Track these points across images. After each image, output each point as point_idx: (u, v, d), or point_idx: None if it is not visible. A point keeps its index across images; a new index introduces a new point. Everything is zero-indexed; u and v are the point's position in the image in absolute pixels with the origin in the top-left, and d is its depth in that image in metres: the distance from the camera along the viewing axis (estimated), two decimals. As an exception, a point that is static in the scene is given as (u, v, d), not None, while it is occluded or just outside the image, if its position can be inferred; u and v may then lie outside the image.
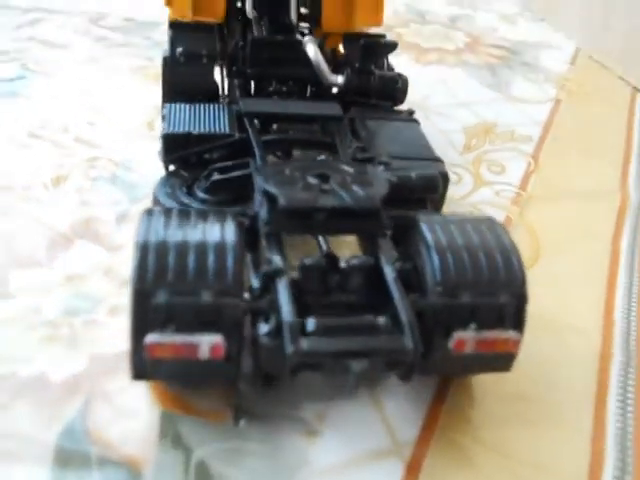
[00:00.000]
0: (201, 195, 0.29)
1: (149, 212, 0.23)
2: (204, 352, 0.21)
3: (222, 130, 0.31)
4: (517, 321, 0.23)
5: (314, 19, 0.41)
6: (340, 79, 0.36)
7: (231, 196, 0.29)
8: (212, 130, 0.31)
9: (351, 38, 0.39)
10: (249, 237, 0.24)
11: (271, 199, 0.24)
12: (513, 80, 0.59)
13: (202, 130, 0.31)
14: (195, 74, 0.37)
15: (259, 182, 0.25)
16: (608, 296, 0.33)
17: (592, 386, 0.28)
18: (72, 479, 0.21)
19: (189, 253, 0.21)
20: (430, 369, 0.23)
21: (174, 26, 0.38)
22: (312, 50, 0.36)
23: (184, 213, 0.23)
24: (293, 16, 0.41)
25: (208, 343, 0.21)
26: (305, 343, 0.20)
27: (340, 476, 0.22)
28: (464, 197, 0.40)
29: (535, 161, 0.45)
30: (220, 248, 0.22)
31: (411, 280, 0.23)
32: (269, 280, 0.22)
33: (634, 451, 0.25)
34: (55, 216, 0.34)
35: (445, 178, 0.31)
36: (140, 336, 0.21)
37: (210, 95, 0.37)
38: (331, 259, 0.24)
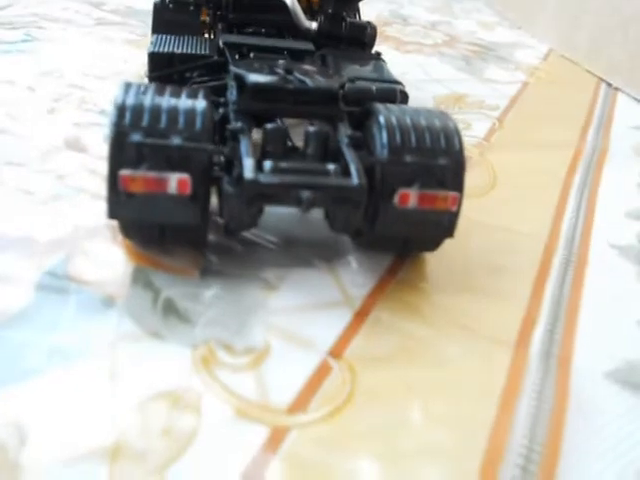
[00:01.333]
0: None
1: (127, 84, 0.26)
2: (172, 187, 0.23)
3: (202, 52, 0.34)
4: (456, 183, 0.26)
5: None
6: (314, 25, 0.40)
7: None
8: (193, 51, 0.34)
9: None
10: (221, 124, 0.27)
11: (241, 82, 0.27)
12: (486, 67, 0.63)
13: (184, 50, 0.34)
14: (182, 18, 0.40)
15: (232, 70, 0.28)
16: (557, 213, 0.36)
17: (534, 270, 0.30)
18: (52, 301, 0.23)
19: (162, 110, 0.24)
20: (377, 228, 0.26)
21: None
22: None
23: (160, 86, 0.26)
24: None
25: (176, 179, 0.23)
26: (262, 176, 0.23)
27: (293, 317, 0.25)
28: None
29: (500, 122, 0.49)
30: (191, 109, 0.25)
31: (362, 147, 0.26)
32: (233, 135, 0.25)
33: (565, 321, 0.27)
34: (49, 134, 0.36)
35: (404, 94, 0.34)
36: (116, 172, 0.23)
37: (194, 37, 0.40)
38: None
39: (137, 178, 0.23)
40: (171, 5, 0.40)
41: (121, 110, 0.24)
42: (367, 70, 0.36)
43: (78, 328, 0.23)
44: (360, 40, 0.41)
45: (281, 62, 0.30)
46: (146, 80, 0.35)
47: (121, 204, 0.24)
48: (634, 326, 0.27)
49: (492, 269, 0.30)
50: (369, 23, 0.41)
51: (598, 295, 0.29)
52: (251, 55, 0.36)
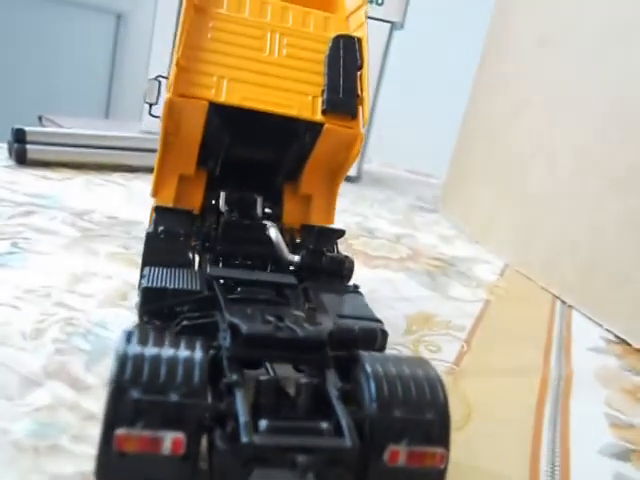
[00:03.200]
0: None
1: (129, 332, 0.27)
2: (166, 447, 0.23)
3: (193, 287, 0.36)
4: (442, 437, 0.26)
5: (276, 217, 0.49)
6: (296, 258, 0.43)
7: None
8: (184, 287, 0.36)
9: (307, 227, 0.47)
10: (212, 367, 0.28)
11: (234, 329, 0.29)
12: (449, 284, 0.67)
13: (176, 286, 0.36)
14: (172, 249, 0.43)
15: (225, 316, 0.30)
16: (533, 453, 0.37)
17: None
18: None
19: (162, 363, 0.25)
20: None
21: (159, 209, 0.45)
22: (274, 233, 0.43)
23: (159, 336, 0.27)
24: (259, 213, 0.49)
25: (171, 439, 0.23)
26: (258, 438, 0.23)
27: None
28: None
29: (468, 344, 0.51)
30: (189, 361, 0.26)
31: (350, 400, 0.27)
32: (228, 389, 0.26)
33: None
34: (30, 361, 0.36)
35: (384, 333, 0.36)
36: (112, 430, 0.23)
37: (185, 267, 0.42)
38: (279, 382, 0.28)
39: (132, 437, 0.23)
40: (162, 235, 0.43)
41: (122, 363, 0.25)
42: (348, 307, 0.38)
43: None
44: (339, 273, 0.43)
45: (271, 307, 0.32)
46: (135, 312, 0.36)
47: (112, 464, 0.23)
48: None
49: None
50: (347, 257, 0.44)
51: None
52: (238, 289, 0.38)
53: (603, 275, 0.62)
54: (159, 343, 0.26)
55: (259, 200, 0.50)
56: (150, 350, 0.26)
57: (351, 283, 0.43)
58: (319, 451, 0.24)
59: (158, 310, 0.36)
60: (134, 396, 0.24)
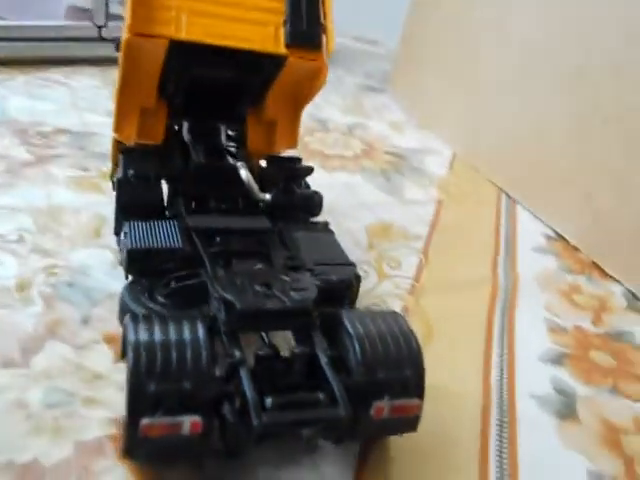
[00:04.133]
0: (162, 300, 0.36)
1: (134, 318, 0.29)
2: (186, 429, 0.27)
3: (176, 245, 0.38)
4: (419, 389, 0.31)
5: (240, 142, 0.49)
6: (267, 196, 0.44)
7: (186, 300, 0.36)
8: (168, 245, 0.38)
9: (274, 160, 0.48)
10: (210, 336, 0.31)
11: (228, 304, 0.31)
12: (404, 185, 0.70)
13: (160, 245, 0.37)
14: (144, 192, 0.43)
15: (218, 291, 0.32)
16: (485, 365, 0.42)
17: (477, 441, 0.36)
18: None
19: (172, 350, 0.28)
20: (357, 434, 0.31)
21: (126, 151, 0.45)
22: (244, 174, 0.44)
23: (162, 319, 0.30)
24: (223, 139, 0.49)
25: (189, 422, 0.27)
26: (267, 417, 0.27)
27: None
28: (371, 290, 0.48)
29: (425, 256, 0.55)
30: (195, 345, 0.28)
31: (338, 363, 0.31)
32: (233, 369, 0.29)
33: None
34: (24, 321, 0.38)
35: (358, 279, 0.39)
36: (135, 419, 0.26)
37: (158, 210, 0.43)
38: (275, 349, 0.31)
39: (154, 425, 0.26)
40: (133, 179, 0.43)
41: (137, 354, 0.27)
42: (322, 249, 0.41)
43: None
44: (309, 208, 0.46)
45: (258, 271, 0.34)
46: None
47: (137, 447, 0.27)
48: (560, 490, 0.33)
49: (440, 441, 0.35)
50: (316, 192, 0.46)
51: (531, 460, 0.35)
52: (217, 239, 0.40)
53: (547, 174, 0.66)
54: (165, 329, 0.29)
55: (222, 129, 0.50)
56: (159, 337, 0.28)
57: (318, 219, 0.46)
58: (319, 422, 0.28)
59: (144, 269, 0.37)
60: (152, 389, 0.27)
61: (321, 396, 0.29)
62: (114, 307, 0.37)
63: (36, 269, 0.43)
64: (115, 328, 0.38)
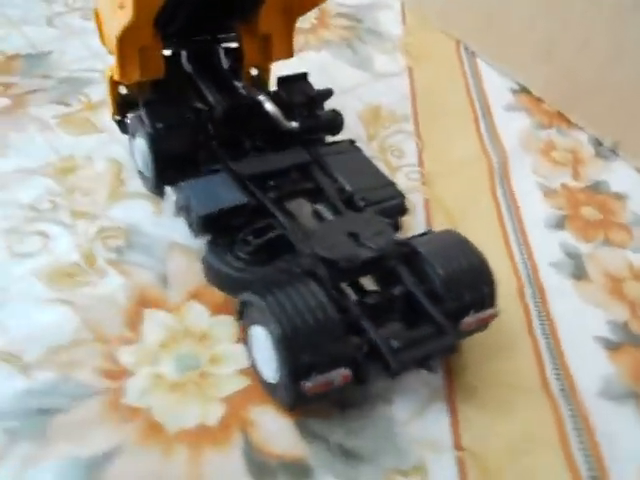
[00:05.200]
0: (246, 257, 0.39)
1: (264, 296, 0.33)
2: (338, 382, 0.32)
3: (242, 200, 0.40)
4: (494, 300, 0.37)
5: (239, 58, 0.49)
6: (294, 124, 0.46)
7: (268, 253, 0.39)
8: (235, 202, 0.40)
9: (285, 84, 0.48)
10: None
11: (328, 262, 0.36)
12: (370, 54, 0.71)
13: (228, 205, 0.40)
14: (178, 142, 0.44)
15: (314, 249, 0.36)
16: (505, 243, 0.49)
17: (523, 322, 0.43)
18: None
19: (308, 319, 0.32)
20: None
21: (146, 105, 0.44)
22: (270, 106, 0.45)
23: (283, 287, 0.34)
24: (224, 65, 0.49)
25: (340, 376, 0.32)
26: (400, 358, 0.33)
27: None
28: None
29: (420, 139, 0.59)
30: (322, 307, 0.33)
31: (429, 294, 0.36)
32: (357, 320, 0.34)
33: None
34: (111, 292, 0.41)
35: (403, 196, 0.43)
36: (296, 385, 0.32)
37: (192, 157, 0.45)
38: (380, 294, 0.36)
39: (313, 385, 0.32)
40: (163, 132, 0.43)
41: (283, 331, 0.32)
42: (361, 173, 0.44)
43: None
44: (334, 129, 0.48)
45: (342, 223, 0.38)
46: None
47: (298, 403, 0.33)
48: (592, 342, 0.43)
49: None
50: (334, 111, 0.48)
51: (563, 321, 0.43)
52: (271, 183, 0.43)
53: (505, 24, 0.69)
54: (293, 298, 0.33)
55: (221, 50, 0.49)
56: (293, 309, 0.32)
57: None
58: (438, 351, 0.34)
59: (216, 230, 0.40)
60: (305, 359, 0.32)
61: (430, 329, 0.35)
62: (182, 259, 0.42)
63: (89, 237, 0.44)
64: (195, 282, 0.42)
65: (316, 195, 0.43)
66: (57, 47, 0.63)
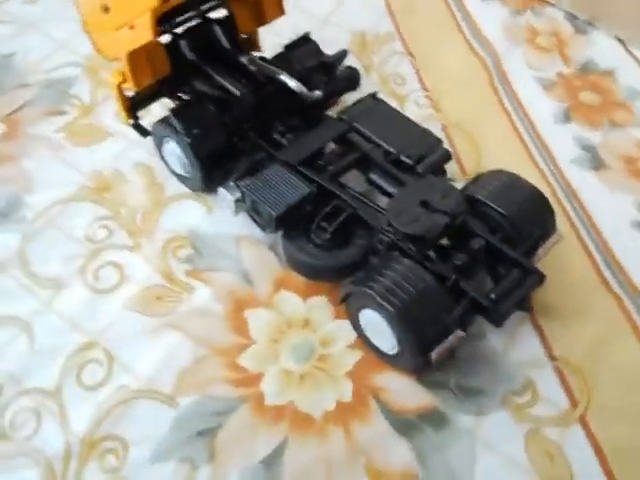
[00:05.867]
0: (324, 243, 0.42)
1: (369, 286, 0.36)
2: (454, 342, 0.37)
3: (305, 190, 0.42)
4: (555, 226, 0.42)
5: (232, 26, 0.48)
6: (318, 92, 0.46)
7: (343, 235, 0.42)
8: (300, 194, 0.42)
9: (295, 48, 0.48)
10: None
11: (411, 237, 0.39)
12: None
13: (296, 199, 0.41)
14: (216, 143, 0.45)
15: (394, 225, 0.39)
16: (524, 149, 0.53)
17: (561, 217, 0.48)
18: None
19: (418, 297, 0.36)
20: None
21: (175, 113, 0.44)
22: (292, 82, 0.45)
23: (383, 268, 0.37)
24: (225, 43, 0.48)
25: (455, 337, 0.37)
26: (503, 308, 0.38)
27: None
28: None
29: (412, 56, 0.60)
30: (424, 279, 0.37)
31: (505, 239, 0.40)
32: (457, 285, 0.38)
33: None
34: (207, 305, 0.43)
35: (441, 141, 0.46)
36: (426, 356, 0.36)
37: (232, 151, 0.45)
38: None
39: (438, 353, 0.36)
40: (200, 136, 0.44)
41: (405, 316, 0.36)
42: (400, 130, 0.46)
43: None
44: (354, 84, 0.49)
45: (409, 195, 0.40)
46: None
47: (425, 365, 0.38)
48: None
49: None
50: (350, 67, 0.49)
51: (602, 215, 0.48)
52: (320, 162, 0.44)
53: None
54: (399, 279, 0.36)
55: (218, 30, 0.48)
56: (403, 290, 0.36)
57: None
58: (529, 292, 0.39)
59: (288, 223, 0.42)
60: (429, 333, 0.36)
61: (516, 272, 0.39)
62: (253, 251, 0.45)
63: (157, 253, 0.46)
64: (274, 270, 0.45)
65: (365, 163, 0.45)
66: (16, 46, 0.59)
